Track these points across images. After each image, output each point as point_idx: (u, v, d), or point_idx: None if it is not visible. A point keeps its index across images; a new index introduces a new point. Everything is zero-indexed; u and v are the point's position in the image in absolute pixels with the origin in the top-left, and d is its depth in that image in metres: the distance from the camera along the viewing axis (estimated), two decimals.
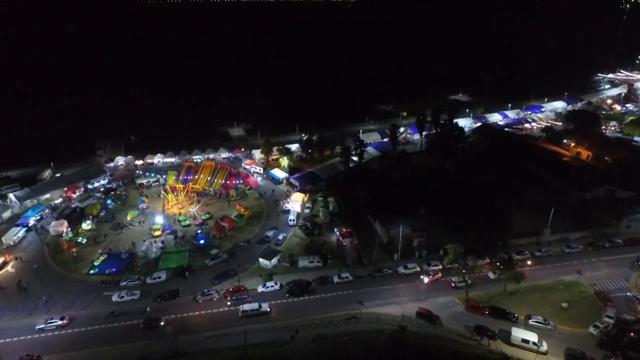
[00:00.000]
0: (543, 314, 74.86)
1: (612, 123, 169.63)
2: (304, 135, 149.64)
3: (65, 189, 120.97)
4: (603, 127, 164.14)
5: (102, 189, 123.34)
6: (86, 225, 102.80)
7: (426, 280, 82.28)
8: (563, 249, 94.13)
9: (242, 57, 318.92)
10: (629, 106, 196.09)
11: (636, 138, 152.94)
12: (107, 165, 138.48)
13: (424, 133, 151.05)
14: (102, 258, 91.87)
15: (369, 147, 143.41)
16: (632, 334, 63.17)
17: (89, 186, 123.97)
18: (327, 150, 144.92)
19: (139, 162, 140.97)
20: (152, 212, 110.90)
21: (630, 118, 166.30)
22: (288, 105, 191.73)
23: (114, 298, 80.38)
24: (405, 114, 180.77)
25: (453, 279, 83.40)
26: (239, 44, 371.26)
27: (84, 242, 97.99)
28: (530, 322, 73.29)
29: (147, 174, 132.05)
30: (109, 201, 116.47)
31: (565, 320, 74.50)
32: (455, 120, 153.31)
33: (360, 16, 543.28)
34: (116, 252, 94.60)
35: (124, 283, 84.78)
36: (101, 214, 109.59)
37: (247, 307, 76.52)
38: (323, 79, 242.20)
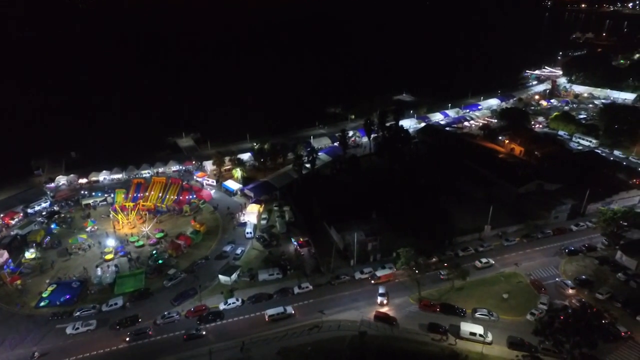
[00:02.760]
0: (487, 306, 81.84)
1: (540, 118, 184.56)
2: (255, 144, 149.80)
3: (2, 215, 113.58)
4: (532, 123, 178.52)
5: (44, 213, 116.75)
6: (30, 254, 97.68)
7: (385, 301, 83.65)
8: (502, 242, 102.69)
9: (184, 60, 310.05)
10: (554, 101, 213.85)
11: (561, 132, 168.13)
12: (48, 186, 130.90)
13: (372, 136, 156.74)
14: (50, 288, 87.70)
15: (320, 153, 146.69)
16: (561, 318, 70.74)
17: (29, 210, 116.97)
18: (280, 158, 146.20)
19: (82, 181, 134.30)
20: (101, 234, 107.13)
21: (555, 113, 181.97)
22: (237, 111, 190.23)
23: (69, 330, 77.47)
24: (353, 116, 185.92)
25: (441, 272, 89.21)
26: (177, 47, 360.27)
27: (28, 272, 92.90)
28: (477, 315, 79.93)
29: (93, 193, 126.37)
30: (53, 225, 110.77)
31: (507, 310, 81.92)
32: (400, 122, 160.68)
33: (303, 15, 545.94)
34: (66, 281, 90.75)
35: (77, 313, 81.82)
36: (45, 240, 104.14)
37: (273, 311, 79.36)
38: (270, 83, 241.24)
